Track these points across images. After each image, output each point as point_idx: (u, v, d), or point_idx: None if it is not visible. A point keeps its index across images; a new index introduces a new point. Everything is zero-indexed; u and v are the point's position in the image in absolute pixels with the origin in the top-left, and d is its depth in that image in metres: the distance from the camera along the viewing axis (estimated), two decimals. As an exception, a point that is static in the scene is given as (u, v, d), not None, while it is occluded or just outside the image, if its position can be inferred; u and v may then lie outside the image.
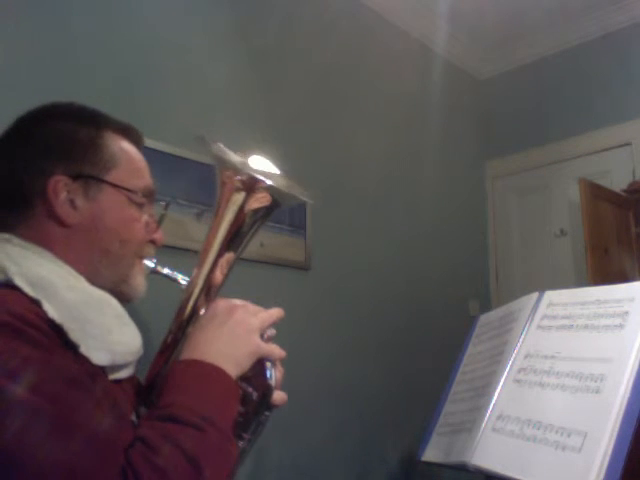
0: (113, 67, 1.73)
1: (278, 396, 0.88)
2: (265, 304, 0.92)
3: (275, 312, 0.90)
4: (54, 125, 0.87)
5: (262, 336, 0.87)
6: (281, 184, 0.91)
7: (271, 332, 0.89)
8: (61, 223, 0.83)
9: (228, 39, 2.11)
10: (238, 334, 0.83)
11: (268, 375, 0.86)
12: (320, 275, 2.27)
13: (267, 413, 0.87)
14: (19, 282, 0.72)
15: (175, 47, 1.91)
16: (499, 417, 1.22)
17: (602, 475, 0.95)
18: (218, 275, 0.91)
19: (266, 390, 0.86)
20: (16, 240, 0.80)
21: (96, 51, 1.70)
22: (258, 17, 2.22)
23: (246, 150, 0.94)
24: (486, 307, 2.79)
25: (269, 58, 2.25)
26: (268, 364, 0.86)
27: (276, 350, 0.88)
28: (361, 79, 2.64)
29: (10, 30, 1.53)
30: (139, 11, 1.84)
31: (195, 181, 1.82)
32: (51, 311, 0.71)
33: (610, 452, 0.97)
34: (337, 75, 2.52)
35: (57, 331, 0.71)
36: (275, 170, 0.95)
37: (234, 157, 0.92)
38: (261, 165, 0.93)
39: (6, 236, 0.81)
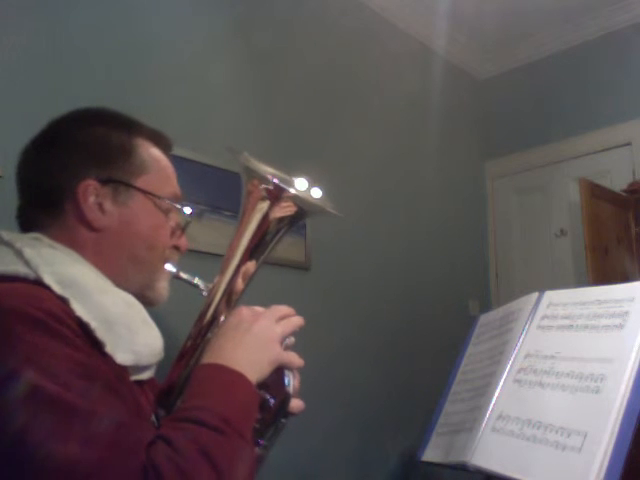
0: (112, 67, 1.72)
1: (295, 404, 0.88)
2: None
3: (296, 320, 0.90)
4: (87, 129, 0.88)
5: (282, 344, 0.87)
6: (307, 196, 0.92)
7: (290, 340, 0.90)
8: (90, 227, 0.85)
9: (228, 39, 2.11)
10: (261, 342, 0.83)
11: (286, 383, 0.86)
12: (320, 275, 2.27)
13: (283, 420, 0.88)
14: (48, 280, 0.74)
15: (175, 47, 1.91)
16: (499, 417, 1.22)
17: (602, 475, 0.95)
18: (240, 283, 0.92)
19: (284, 397, 0.86)
20: (46, 240, 0.82)
21: (95, 51, 1.70)
22: (258, 17, 2.22)
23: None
24: (486, 307, 2.79)
25: (269, 58, 2.25)
26: (287, 372, 0.87)
27: (295, 359, 0.88)
28: (361, 79, 2.64)
29: (9, 30, 1.53)
30: (138, 11, 1.84)
31: (194, 181, 1.82)
32: (79, 309, 0.73)
33: (610, 452, 0.97)
34: (337, 75, 2.52)
35: (84, 329, 0.72)
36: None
37: (261, 167, 0.93)
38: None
39: (36, 235, 0.83)
